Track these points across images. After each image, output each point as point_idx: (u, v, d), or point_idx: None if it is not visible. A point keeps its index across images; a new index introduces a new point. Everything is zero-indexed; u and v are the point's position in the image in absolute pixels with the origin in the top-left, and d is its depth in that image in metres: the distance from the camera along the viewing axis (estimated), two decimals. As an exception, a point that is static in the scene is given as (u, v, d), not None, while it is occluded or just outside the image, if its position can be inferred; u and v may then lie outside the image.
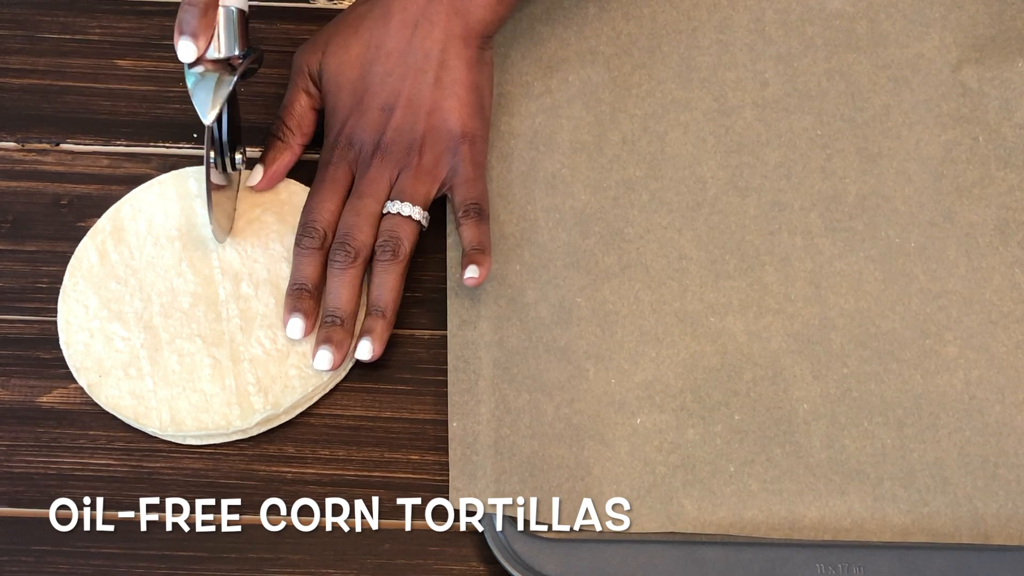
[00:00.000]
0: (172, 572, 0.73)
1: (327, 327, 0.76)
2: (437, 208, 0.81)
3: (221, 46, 0.75)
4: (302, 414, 0.76)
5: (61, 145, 0.83)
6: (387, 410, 0.77)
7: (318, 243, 0.77)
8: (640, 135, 0.83)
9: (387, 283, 0.77)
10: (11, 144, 0.83)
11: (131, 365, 0.76)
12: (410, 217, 0.78)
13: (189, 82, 0.76)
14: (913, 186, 0.82)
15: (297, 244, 0.78)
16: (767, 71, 0.85)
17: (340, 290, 0.77)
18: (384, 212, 0.78)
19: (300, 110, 0.81)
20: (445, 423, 0.76)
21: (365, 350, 0.76)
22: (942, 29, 0.86)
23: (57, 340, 0.77)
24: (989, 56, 0.85)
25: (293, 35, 0.87)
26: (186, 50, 0.75)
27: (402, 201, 0.78)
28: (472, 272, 0.76)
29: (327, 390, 0.77)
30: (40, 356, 0.77)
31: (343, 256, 0.77)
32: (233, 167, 0.79)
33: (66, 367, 0.76)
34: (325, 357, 0.76)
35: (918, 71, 0.85)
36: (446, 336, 0.78)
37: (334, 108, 0.80)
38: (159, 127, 0.84)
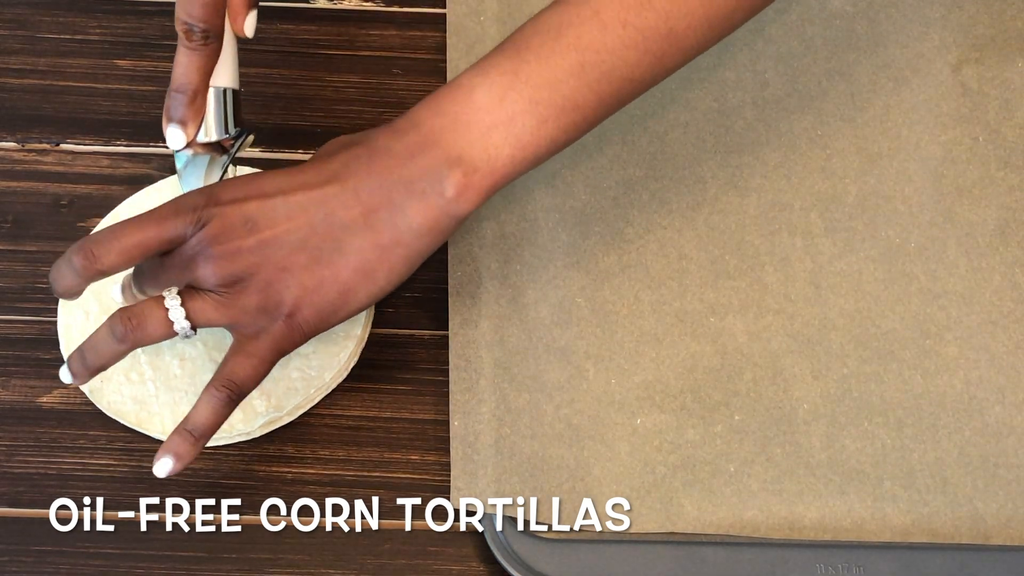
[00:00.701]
0: (172, 572, 0.73)
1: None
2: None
3: (211, 130, 0.73)
4: (302, 414, 0.76)
5: (61, 145, 0.83)
6: (387, 410, 0.77)
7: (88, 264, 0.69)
8: (640, 135, 0.83)
9: (100, 348, 0.70)
10: (11, 144, 0.83)
11: (132, 370, 0.76)
12: (176, 333, 0.70)
13: (179, 164, 0.74)
14: (913, 186, 0.82)
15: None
16: (767, 71, 0.85)
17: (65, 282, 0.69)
18: (164, 296, 0.69)
19: None
20: (445, 423, 0.76)
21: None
22: (942, 29, 0.86)
23: (57, 340, 0.77)
24: (989, 56, 0.85)
25: (293, 35, 0.87)
26: (175, 138, 0.72)
27: (185, 315, 0.69)
28: (162, 467, 0.69)
29: (328, 391, 0.77)
30: (40, 356, 0.77)
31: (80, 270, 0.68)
32: None
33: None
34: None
35: (918, 71, 0.85)
36: (446, 336, 0.78)
37: (237, 178, 0.72)
38: (159, 127, 0.83)
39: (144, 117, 0.84)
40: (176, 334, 0.69)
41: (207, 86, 0.72)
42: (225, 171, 0.74)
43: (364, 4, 0.89)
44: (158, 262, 0.70)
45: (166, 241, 0.68)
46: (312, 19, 0.88)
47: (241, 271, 0.68)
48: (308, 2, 0.89)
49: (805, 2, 0.87)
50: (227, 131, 0.73)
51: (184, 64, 0.72)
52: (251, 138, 0.76)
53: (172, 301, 0.69)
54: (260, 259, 0.68)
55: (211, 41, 0.72)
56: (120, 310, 0.70)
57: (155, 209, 0.69)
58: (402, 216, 0.69)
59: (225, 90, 0.73)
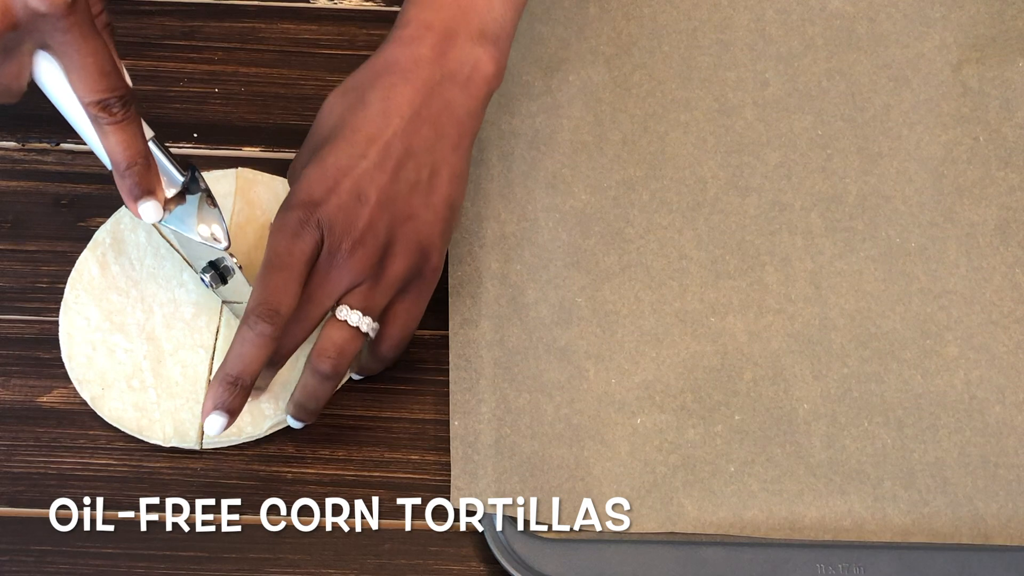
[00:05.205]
0: (172, 572, 0.73)
1: (224, 388, 0.71)
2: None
3: (172, 181, 0.71)
4: (302, 414, 0.76)
5: (61, 145, 0.83)
6: (387, 410, 0.77)
7: (278, 332, 0.70)
8: (640, 135, 0.83)
9: (319, 393, 0.73)
10: (11, 144, 0.83)
11: (134, 377, 0.76)
12: (367, 334, 0.72)
13: (164, 229, 0.73)
14: (913, 186, 0.82)
15: (246, 323, 0.70)
16: (767, 71, 0.85)
17: (250, 357, 0.70)
18: (338, 317, 0.71)
19: None
20: (445, 423, 0.76)
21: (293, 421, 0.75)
22: (942, 29, 0.86)
23: (57, 340, 0.77)
24: (989, 56, 0.85)
25: (293, 34, 0.87)
26: (153, 212, 0.70)
27: (363, 314, 0.71)
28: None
29: (334, 390, 0.77)
30: (40, 356, 0.77)
31: (267, 339, 0.70)
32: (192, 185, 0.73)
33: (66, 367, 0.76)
34: (217, 423, 0.70)
35: (918, 71, 0.85)
36: (446, 336, 0.78)
37: (304, 175, 0.72)
38: (159, 127, 0.83)
39: (144, 117, 0.84)
40: (368, 335, 0.72)
41: (148, 150, 0.70)
42: (208, 197, 0.72)
43: (364, 4, 0.89)
44: (306, 296, 0.71)
45: (309, 260, 0.70)
46: (312, 19, 0.88)
47: (382, 244, 0.71)
48: (308, 2, 0.89)
49: (805, 2, 0.87)
50: (182, 173, 0.71)
51: (118, 140, 0.69)
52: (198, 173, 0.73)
53: (349, 315, 0.71)
54: (386, 227, 0.71)
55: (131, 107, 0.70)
56: (314, 351, 0.72)
57: (271, 249, 0.70)
58: (457, 109, 0.73)
59: (153, 138, 0.71)
